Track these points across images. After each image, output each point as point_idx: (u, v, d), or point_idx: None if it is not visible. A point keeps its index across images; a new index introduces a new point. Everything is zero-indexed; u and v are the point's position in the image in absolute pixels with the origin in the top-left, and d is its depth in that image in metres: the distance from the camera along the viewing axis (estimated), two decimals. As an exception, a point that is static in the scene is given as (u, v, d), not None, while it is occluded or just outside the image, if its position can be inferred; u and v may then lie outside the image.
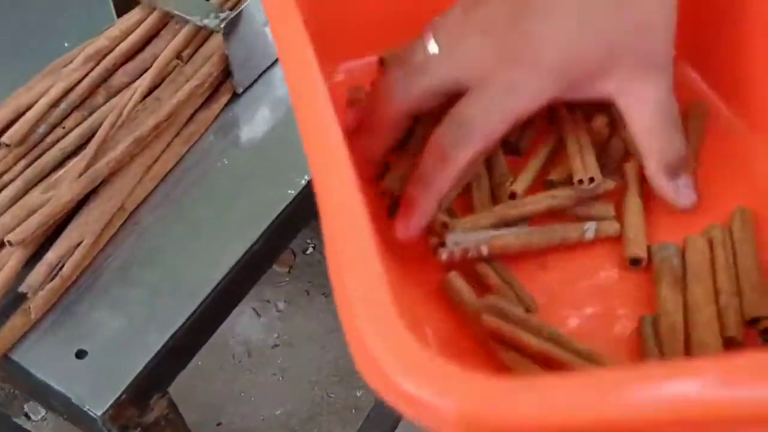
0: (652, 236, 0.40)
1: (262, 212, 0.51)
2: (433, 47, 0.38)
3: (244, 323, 1.32)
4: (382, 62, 0.48)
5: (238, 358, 1.29)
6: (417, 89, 0.38)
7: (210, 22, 0.53)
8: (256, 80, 0.59)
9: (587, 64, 0.36)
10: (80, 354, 0.44)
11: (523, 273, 0.39)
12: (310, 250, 1.39)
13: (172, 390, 0.47)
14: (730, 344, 0.36)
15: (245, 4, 0.53)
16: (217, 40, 0.55)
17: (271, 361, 1.28)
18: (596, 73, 0.37)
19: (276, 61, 0.59)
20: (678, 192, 0.38)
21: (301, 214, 0.54)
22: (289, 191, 0.52)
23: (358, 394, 1.22)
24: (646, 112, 0.37)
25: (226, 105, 0.57)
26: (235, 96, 0.57)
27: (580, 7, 0.35)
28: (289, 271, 1.37)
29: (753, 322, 0.36)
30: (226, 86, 0.56)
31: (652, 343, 0.36)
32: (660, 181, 0.38)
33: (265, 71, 0.59)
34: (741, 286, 0.38)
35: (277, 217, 0.51)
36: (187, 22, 0.54)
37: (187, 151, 0.53)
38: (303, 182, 0.53)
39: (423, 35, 0.39)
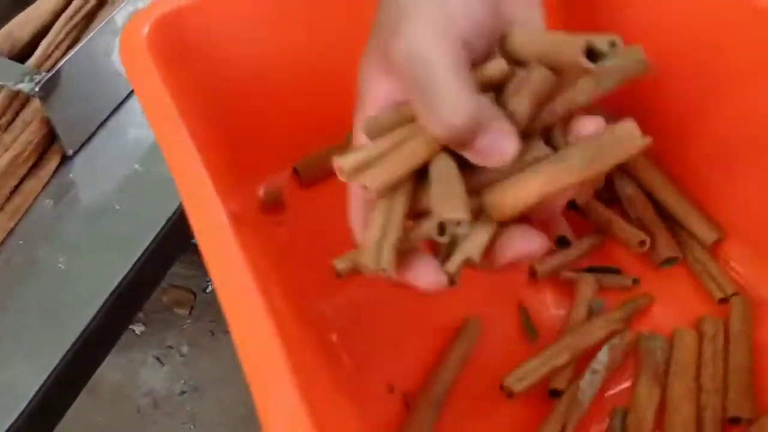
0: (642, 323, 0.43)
1: (104, 283, 0.48)
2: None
3: (147, 373, 1.27)
4: (296, 172, 0.48)
5: (144, 410, 1.24)
6: None
7: (25, 86, 0.50)
8: (90, 137, 0.56)
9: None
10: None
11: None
12: (210, 288, 1.35)
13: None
14: None
15: (61, 63, 0.51)
16: (37, 103, 0.52)
17: (180, 409, 1.24)
18: None
19: (111, 115, 0.57)
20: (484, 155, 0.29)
21: (148, 277, 0.52)
22: (135, 253, 0.50)
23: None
24: None
25: (58, 168, 0.54)
26: (68, 158, 0.55)
27: None
28: (189, 313, 1.33)
29: (734, 420, 0.37)
30: (54, 149, 0.53)
31: None
32: None
33: (99, 127, 0.57)
34: (728, 383, 0.38)
35: (117, 287, 0.49)
36: (1, 88, 0.51)
37: (17, 224, 0.51)
38: (148, 242, 0.51)
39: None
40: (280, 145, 0.48)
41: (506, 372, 0.39)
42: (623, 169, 0.46)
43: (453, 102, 0.26)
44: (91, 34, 0.53)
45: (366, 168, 0.27)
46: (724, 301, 0.42)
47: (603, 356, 0.39)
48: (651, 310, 0.43)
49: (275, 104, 0.45)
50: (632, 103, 0.47)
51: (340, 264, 0.29)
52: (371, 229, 0.27)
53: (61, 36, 0.54)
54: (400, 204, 0.27)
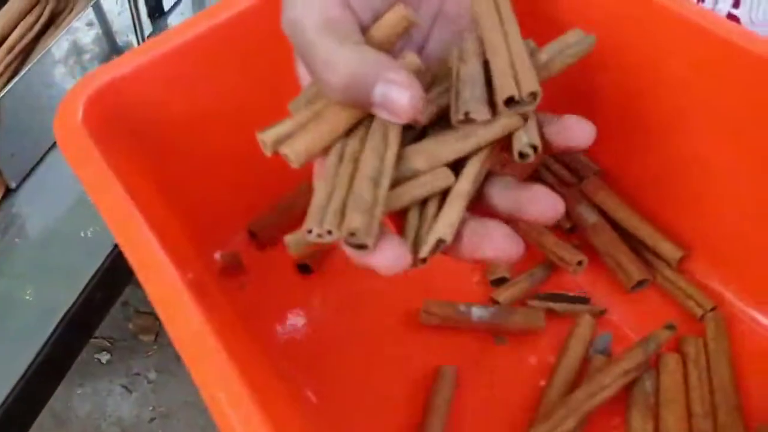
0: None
1: (52, 312, 0.48)
2: None
3: (115, 402, 1.25)
4: (252, 234, 0.47)
5: (113, 440, 1.21)
6: None
7: (-39, 119, 0.48)
8: (33, 169, 0.55)
9: None
10: None
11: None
12: (177, 311, 1.33)
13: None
14: None
15: (1, 95, 0.49)
16: (-26, 137, 0.50)
17: (150, 437, 1.21)
18: None
19: (53, 146, 0.56)
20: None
21: (97, 304, 0.51)
22: (82, 282, 0.49)
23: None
24: None
25: (2, 201, 0.53)
26: (11, 191, 0.53)
27: None
28: (155, 339, 1.30)
29: None
30: (-4, 183, 0.51)
31: None
32: None
33: (42, 159, 0.55)
34: (716, 404, 0.38)
35: (65, 315, 0.48)
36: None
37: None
38: (94, 270, 0.50)
39: None
40: (233, 206, 0.46)
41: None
42: (585, 197, 0.45)
43: (328, 61, 0.25)
44: (30, 65, 0.51)
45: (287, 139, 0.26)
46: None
47: None
48: (629, 337, 0.42)
49: (223, 166, 0.43)
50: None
51: (290, 238, 0.27)
52: (315, 196, 0.25)
53: (1, 68, 0.52)
54: (346, 170, 0.26)
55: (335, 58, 0.25)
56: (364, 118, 0.27)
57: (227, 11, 0.37)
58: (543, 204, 0.26)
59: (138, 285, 0.30)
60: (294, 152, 0.26)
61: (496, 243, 0.26)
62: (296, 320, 0.44)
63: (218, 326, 0.27)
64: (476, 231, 0.26)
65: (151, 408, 1.23)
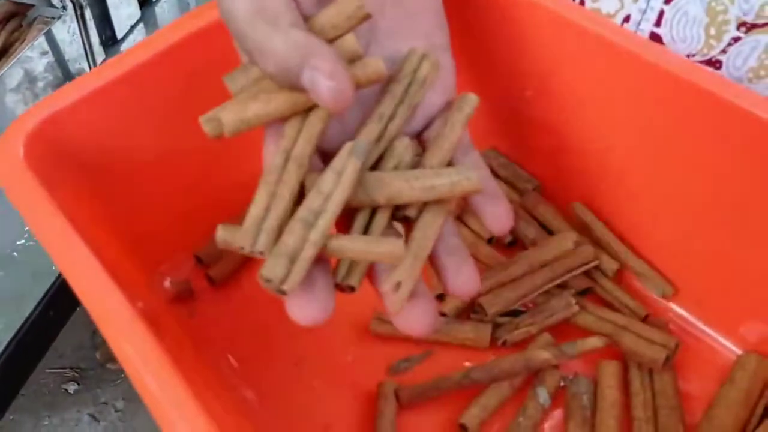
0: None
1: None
2: None
3: (82, 432, 1.23)
4: (199, 260, 0.47)
5: (81, 470, 1.20)
6: None
7: None
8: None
9: None
10: None
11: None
12: (146, 338, 1.32)
13: None
14: None
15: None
16: None
17: (118, 467, 1.20)
18: None
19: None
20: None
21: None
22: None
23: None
24: None
25: None
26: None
27: None
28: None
29: None
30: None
31: None
32: None
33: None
34: (657, 406, 0.39)
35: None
36: None
37: None
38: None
39: None
40: (180, 234, 0.46)
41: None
42: (525, 212, 0.46)
43: (259, 48, 0.25)
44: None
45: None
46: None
47: (542, 394, 0.39)
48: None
49: (169, 194, 0.44)
50: (536, 141, 0.48)
51: (222, 232, 0.25)
52: (253, 207, 0.25)
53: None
54: (288, 184, 0.25)
55: (266, 45, 0.25)
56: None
57: (163, 41, 0.38)
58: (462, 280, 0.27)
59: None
60: (226, 118, 0.26)
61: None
62: (251, 343, 0.44)
63: (171, 351, 0.28)
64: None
65: (119, 437, 1.22)
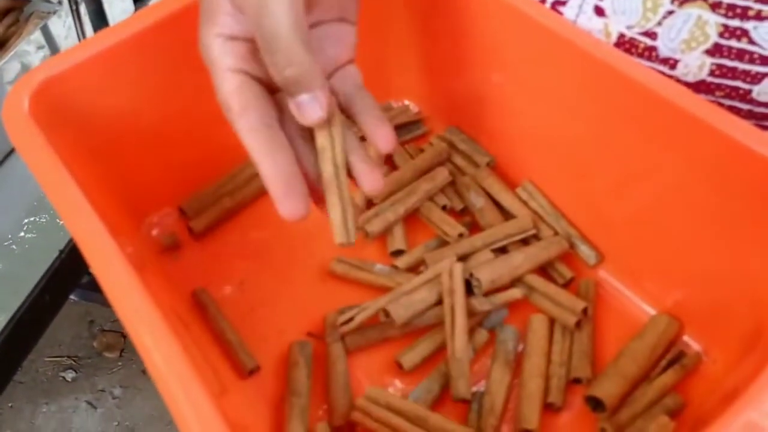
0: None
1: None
2: None
3: (80, 419, 1.27)
4: (182, 212, 0.52)
5: (80, 456, 1.24)
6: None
7: None
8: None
9: None
10: None
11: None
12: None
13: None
14: (550, 409, 0.42)
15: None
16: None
17: (115, 451, 1.24)
18: None
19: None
20: (300, 109, 0.33)
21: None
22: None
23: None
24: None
25: None
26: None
27: None
28: (120, 355, 1.33)
29: (577, 381, 0.43)
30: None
31: (474, 415, 0.42)
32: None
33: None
34: (572, 352, 0.44)
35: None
36: None
37: None
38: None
39: None
40: (167, 186, 0.51)
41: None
42: (476, 183, 0.51)
43: (289, 56, 0.30)
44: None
45: None
46: (566, 284, 0.47)
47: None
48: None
49: (160, 150, 0.48)
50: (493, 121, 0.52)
51: (338, 240, 0.34)
52: (333, 211, 0.34)
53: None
54: (344, 185, 0.34)
55: (296, 58, 0.30)
56: None
57: (161, 11, 0.42)
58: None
59: (104, 303, 0.34)
60: None
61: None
62: (227, 286, 0.49)
63: (150, 286, 0.32)
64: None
65: (116, 423, 1.26)
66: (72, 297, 0.93)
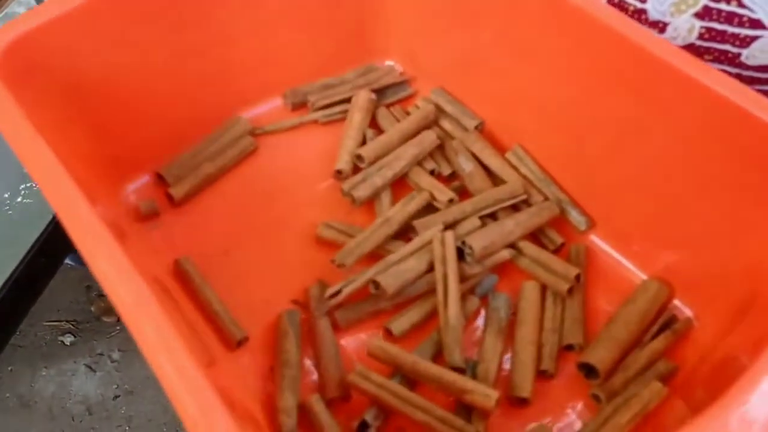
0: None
1: None
2: None
3: (79, 382, 1.28)
4: (160, 177, 0.50)
5: (79, 418, 1.25)
6: None
7: None
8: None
9: None
10: None
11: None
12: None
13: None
14: (543, 376, 0.42)
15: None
16: None
17: (115, 413, 1.25)
18: None
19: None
20: None
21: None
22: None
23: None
24: None
25: None
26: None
27: None
28: (118, 320, 1.33)
29: (569, 348, 0.42)
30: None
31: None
32: None
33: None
34: (563, 318, 0.43)
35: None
36: None
37: None
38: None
39: None
40: (145, 151, 0.50)
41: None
42: (464, 148, 0.50)
43: None
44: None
45: None
46: (557, 250, 0.47)
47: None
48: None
49: (137, 114, 0.47)
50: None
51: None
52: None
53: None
54: None
55: None
56: None
57: None
58: None
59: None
60: None
61: None
62: (211, 254, 0.48)
63: (129, 252, 0.31)
64: None
65: (115, 386, 1.27)
66: (69, 262, 0.93)
